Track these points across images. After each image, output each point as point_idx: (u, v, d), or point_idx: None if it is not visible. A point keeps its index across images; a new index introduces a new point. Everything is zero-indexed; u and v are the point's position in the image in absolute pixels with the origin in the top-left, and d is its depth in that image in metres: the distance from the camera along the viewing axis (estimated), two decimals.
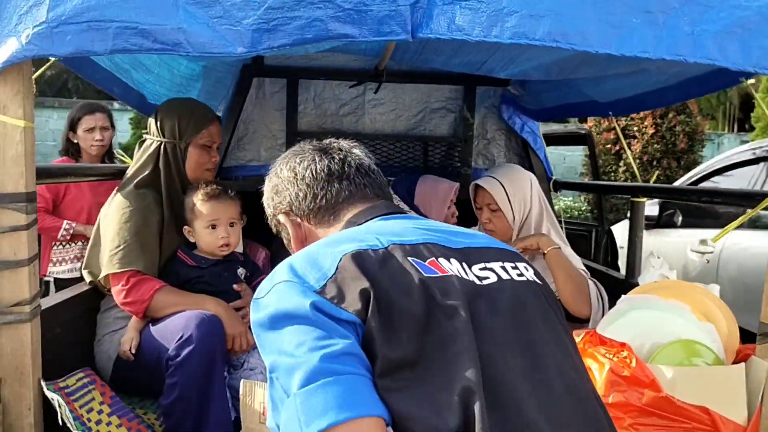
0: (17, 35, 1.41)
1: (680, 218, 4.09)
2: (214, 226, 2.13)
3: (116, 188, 2.21)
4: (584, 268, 2.34)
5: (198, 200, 2.12)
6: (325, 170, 1.27)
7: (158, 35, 1.41)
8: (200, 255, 2.16)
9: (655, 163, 8.36)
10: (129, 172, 2.21)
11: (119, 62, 2.32)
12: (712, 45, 1.34)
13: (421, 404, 0.88)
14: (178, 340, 1.90)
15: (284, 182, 1.30)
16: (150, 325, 2.06)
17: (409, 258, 1.02)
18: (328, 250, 1.03)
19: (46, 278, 3.41)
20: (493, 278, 1.07)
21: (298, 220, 1.28)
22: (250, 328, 2.06)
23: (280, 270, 1.02)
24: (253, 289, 2.20)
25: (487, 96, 3.55)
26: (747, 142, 9.18)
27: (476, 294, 1.02)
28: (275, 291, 0.98)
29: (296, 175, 1.28)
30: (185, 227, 2.16)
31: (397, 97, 3.58)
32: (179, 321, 1.95)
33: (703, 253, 3.85)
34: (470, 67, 2.76)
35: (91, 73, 2.15)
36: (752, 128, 11.00)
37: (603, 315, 2.06)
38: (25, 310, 1.55)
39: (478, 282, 1.05)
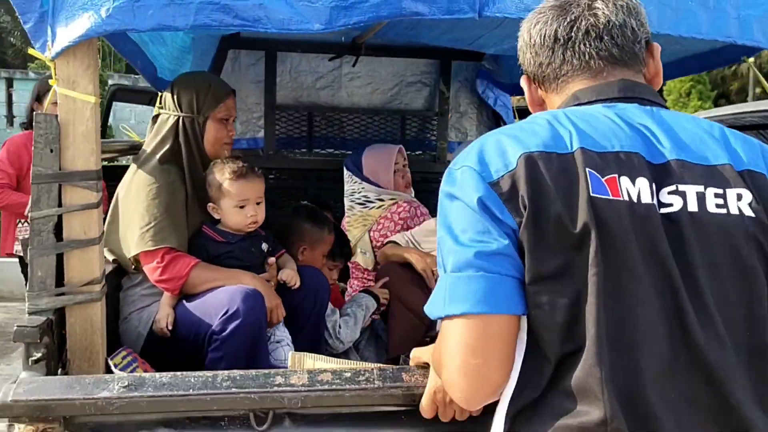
0: (95, 9, 1.38)
1: None
2: (243, 206, 2.13)
3: (134, 163, 2.17)
4: None
5: (226, 179, 2.11)
6: (552, 36, 1.13)
7: (239, 11, 1.42)
8: (226, 230, 2.16)
9: None
10: (147, 148, 2.17)
11: (143, 34, 2.24)
12: (756, 28, 1.50)
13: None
14: (224, 314, 1.91)
15: (522, 45, 1.20)
16: (184, 301, 2.05)
17: (587, 169, 0.98)
18: (520, 140, 1.02)
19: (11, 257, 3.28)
20: (677, 206, 0.99)
21: (534, 84, 1.22)
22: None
23: (473, 151, 1.06)
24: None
25: (461, 70, 3.66)
26: None
27: (641, 224, 0.96)
28: (461, 172, 1.04)
29: (530, 38, 1.17)
30: (210, 204, 2.15)
31: (373, 71, 3.62)
32: (222, 295, 1.96)
33: None
34: (461, 42, 2.85)
35: (122, 45, 2.08)
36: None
37: None
38: (95, 289, 1.54)
39: (654, 210, 0.98)
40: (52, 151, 1.46)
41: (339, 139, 3.65)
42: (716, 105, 10.82)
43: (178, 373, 1.36)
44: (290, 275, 2.20)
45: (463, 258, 0.99)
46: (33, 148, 1.45)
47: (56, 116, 1.46)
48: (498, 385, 1.00)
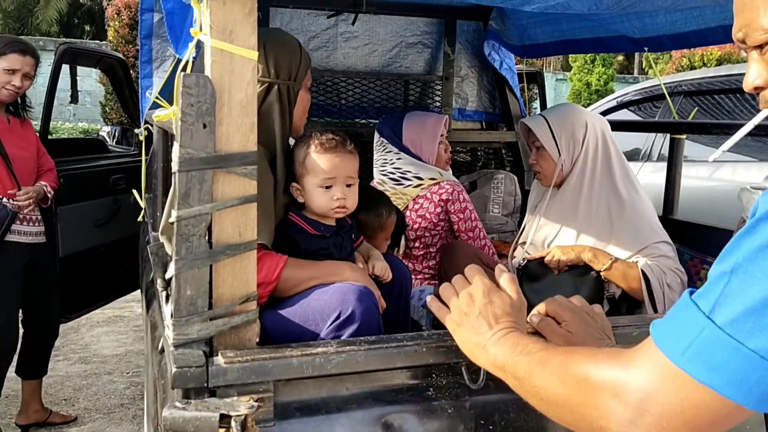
0: None
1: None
2: (329, 186, 1.78)
3: None
4: (657, 222, 2.26)
5: (311, 152, 1.74)
6: None
7: None
8: (317, 219, 1.80)
9: None
10: None
11: None
12: None
13: None
14: (335, 319, 1.58)
15: None
16: (275, 307, 1.69)
17: None
18: None
19: None
20: None
21: None
22: None
23: None
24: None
25: (462, 31, 3.41)
26: None
27: None
28: None
29: None
30: (293, 184, 1.78)
31: (370, 30, 3.29)
32: (330, 296, 1.62)
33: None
34: None
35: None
36: None
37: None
38: (251, 307, 1.18)
39: None
40: (205, 126, 1.07)
41: (336, 106, 3.30)
42: (620, 72, 11.34)
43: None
44: (383, 269, 1.89)
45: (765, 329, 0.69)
46: (181, 123, 1.05)
47: (210, 79, 1.06)
48: None
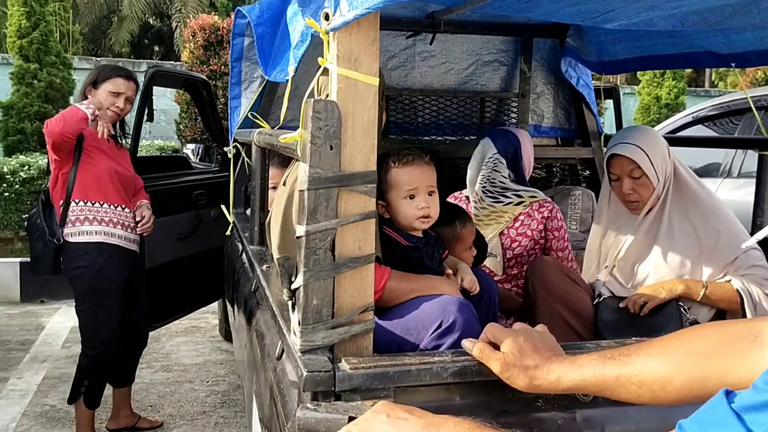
0: None
1: None
2: (412, 196, 1.85)
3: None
4: (740, 226, 2.21)
5: (392, 167, 1.83)
6: None
7: None
8: (409, 232, 1.87)
9: None
10: None
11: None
12: None
13: None
14: (437, 328, 1.64)
15: None
16: (375, 317, 1.76)
17: None
18: None
19: None
20: None
21: None
22: None
23: None
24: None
25: (537, 48, 3.44)
26: None
27: None
28: None
29: None
30: (378, 201, 1.86)
31: (447, 49, 3.36)
32: (431, 307, 1.68)
33: None
34: (584, 15, 2.62)
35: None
36: None
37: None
38: (369, 317, 1.25)
39: None
40: (332, 148, 1.15)
41: (413, 124, 3.38)
42: (690, 85, 11.07)
43: None
44: (471, 282, 1.94)
45: None
46: (311, 146, 1.14)
47: (337, 104, 1.15)
48: None
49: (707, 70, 15.57)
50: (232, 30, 2.94)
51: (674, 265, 2.24)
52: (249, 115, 2.35)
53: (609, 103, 4.79)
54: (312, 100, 1.14)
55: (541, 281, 2.28)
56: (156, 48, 22.46)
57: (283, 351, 1.38)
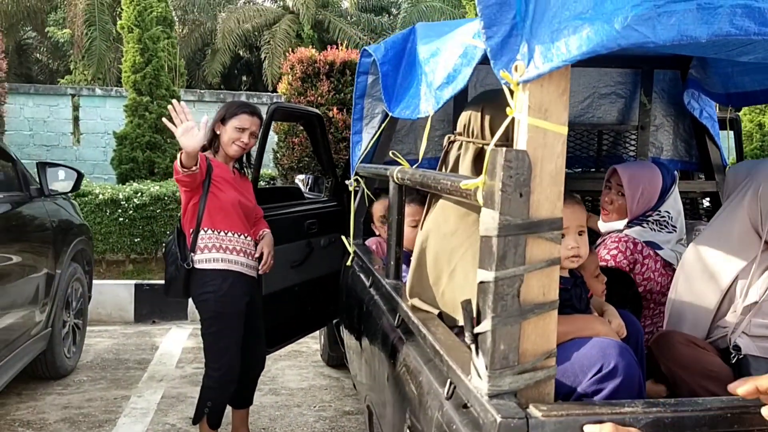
0: (605, 19, 1.10)
1: None
2: (563, 235, 1.85)
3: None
4: None
5: None
6: None
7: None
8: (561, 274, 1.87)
9: None
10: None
11: None
12: None
13: None
14: (596, 372, 1.63)
15: None
16: None
17: None
18: None
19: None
20: None
21: None
22: None
23: None
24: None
25: (657, 80, 3.39)
26: None
27: None
28: None
29: None
30: None
31: None
32: (589, 350, 1.66)
33: None
34: (720, 48, 2.56)
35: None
36: None
37: None
38: (551, 363, 1.25)
39: None
40: (521, 195, 1.18)
41: None
42: None
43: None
44: (620, 326, 1.92)
45: None
46: (501, 193, 1.17)
47: (527, 153, 1.18)
48: None
49: None
50: (357, 68, 3.04)
51: None
52: (391, 153, 2.42)
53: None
54: (503, 149, 1.17)
55: (673, 360, 2.17)
56: (244, 78, 23.38)
57: (453, 391, 1.41)
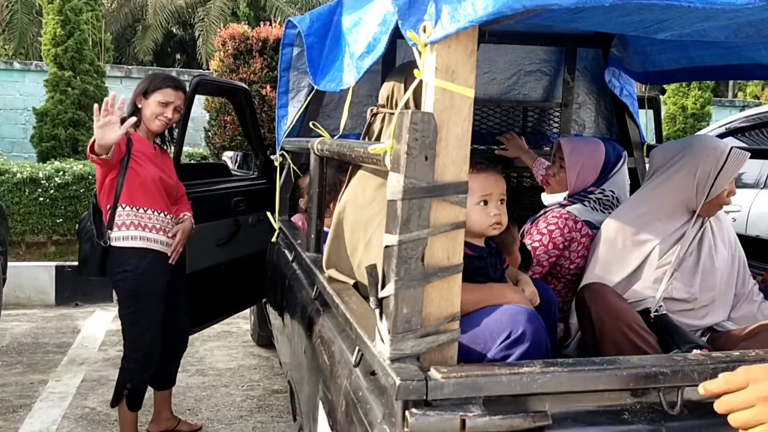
0: None
1: None
2: (485, 202, 1.86)
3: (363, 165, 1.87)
4: None
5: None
6: None
7: None
8: (472, 242, 1.88)
9: None
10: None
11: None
12: None
13: None
14: (505, 338, 1.65)
15: None
16: None
17: None
18: None
19: None
20: None
21: None
22: None
23: None
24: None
25: (580, 58, 3.45)
26: None
27: None
28: None
29: None
30: None
31: (490, 59, 3.37)
32: (499, 317, 1.68)
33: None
34: (636, 25, 2.62)
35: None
36: None
37: None
38: (455, 326, 1.26)
39: None
40: (427, 158, 1.16)
41: None
42: (715, 94, 10.98)
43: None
44: (532, 293, 1.95)
45: None
46: (406, 156, 1.15)
47: (433, 116, 1.16)
48: None
49: (731, 81, 15.49)
50: (282, 40, 2.97)
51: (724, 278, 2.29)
52: (311, 124, 2.37)
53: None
54: (409, 111, 1.15)
55: (605, 308, 2.25)
56: (178, 56, 22.68)
57: (361, 358, 1.40)
